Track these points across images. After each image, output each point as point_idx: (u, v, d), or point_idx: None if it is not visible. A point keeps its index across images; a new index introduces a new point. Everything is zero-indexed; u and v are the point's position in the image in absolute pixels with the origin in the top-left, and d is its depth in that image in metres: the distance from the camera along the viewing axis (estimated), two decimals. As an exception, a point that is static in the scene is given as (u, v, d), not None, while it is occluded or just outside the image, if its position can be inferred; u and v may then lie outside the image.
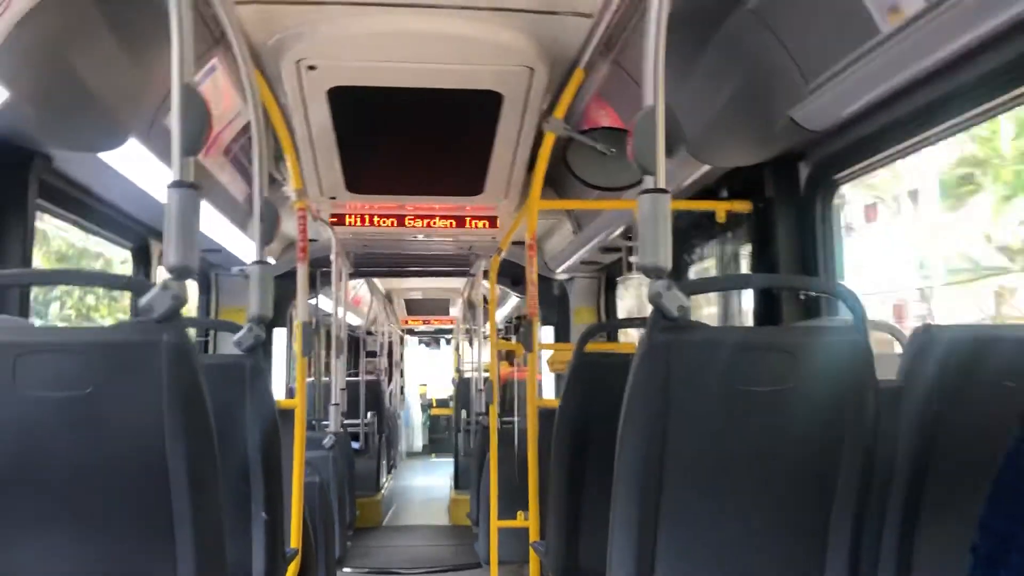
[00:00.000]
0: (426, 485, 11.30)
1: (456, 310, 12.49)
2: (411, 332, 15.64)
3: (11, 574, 1.66)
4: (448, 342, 16.63)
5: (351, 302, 8.34)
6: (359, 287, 9.40)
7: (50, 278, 2.50)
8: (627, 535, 1.83)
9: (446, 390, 16.21)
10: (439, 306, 12.71)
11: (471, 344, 11.74)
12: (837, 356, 1.81)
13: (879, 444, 1.82)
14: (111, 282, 1.99)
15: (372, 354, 11.31)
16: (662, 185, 1.78)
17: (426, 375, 16.74)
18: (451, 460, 13.46)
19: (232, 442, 2.33)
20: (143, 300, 1.63)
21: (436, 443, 15.49)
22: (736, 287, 3.77)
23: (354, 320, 9.88)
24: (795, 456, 1.85)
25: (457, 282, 9.81)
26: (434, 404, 15.89)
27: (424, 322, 14.51)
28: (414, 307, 12.72)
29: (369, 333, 12.06)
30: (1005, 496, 1.59)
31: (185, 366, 1.63)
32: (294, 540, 3.01)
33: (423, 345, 17.15)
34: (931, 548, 1.82)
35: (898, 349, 2.47)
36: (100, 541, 1.68)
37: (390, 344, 12.30)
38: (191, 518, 1.67)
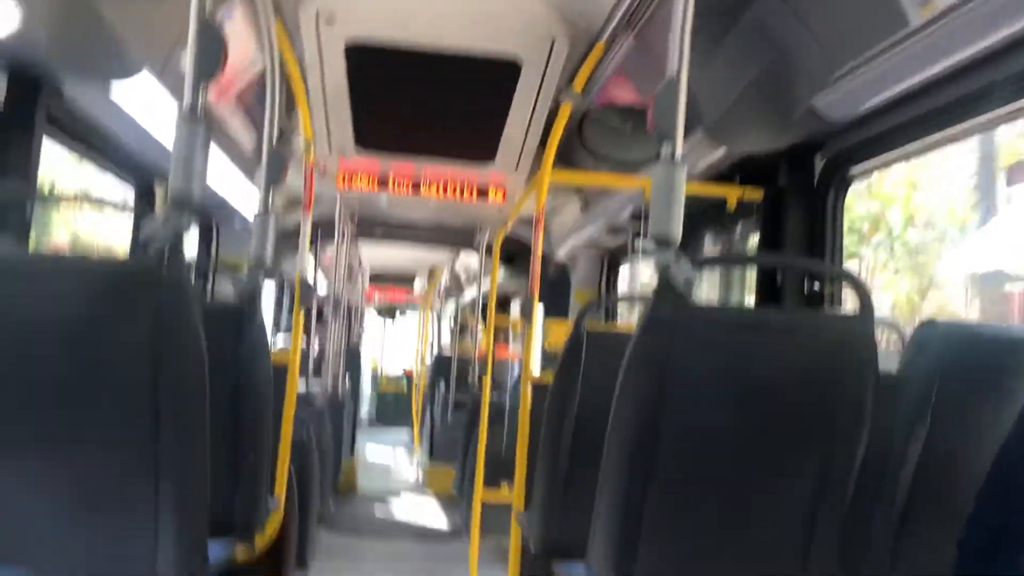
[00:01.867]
0: (384, 458, 11.34)
1: (420, 283, 12.40)
2: (367, 303, 15.30)
3: None
4: (403, 313, 16.43)
5: (323, 265, 8.25)
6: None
7: (56, 200, 2.48)
8: (613, 513, 1.82)
9: (398, 367, 15.89)
10: (404, 279, 12.47)
11: (452, 320, 11.67)
12: (840, 343, 1.79)
13: (874, 435, 1.81)
14: (117, 207, 1.96)
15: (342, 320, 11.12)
16: (679, 155, 1.76)
17: (377, 350, 16.32)
18: (402, 434, 13.52)
19: (223, 387, 2.31)
20: (144, 231, 1.61)
21: (384, 416, 15.08)
22: (747, 263, 3.74)
23: (322, 287, 9.72)
24: (789, 442, 1.83)
25: (428, 255, 9.73)
26: (384, 380, 15.39)
27: (388, 294, 14.10)
28: (377, 277, 12.43)
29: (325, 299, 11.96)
30: (997, 491, 1.58)
31: (182, 300, 1.62)
32: (278, 491, 3.00)
33: (377, 314, 16.75)
34: (918, 544, 1.81)
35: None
36: (83, 467, 1.67)
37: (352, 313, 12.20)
38: (177, 452, 1.66)
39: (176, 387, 1.63)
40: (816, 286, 3.08)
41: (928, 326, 1.85)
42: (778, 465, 1.85)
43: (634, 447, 1.78)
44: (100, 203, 1.92)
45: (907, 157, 2.76)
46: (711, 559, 1.86)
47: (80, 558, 1.68)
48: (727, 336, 1.78)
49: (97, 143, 3.54)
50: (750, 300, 3.85)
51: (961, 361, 1.81)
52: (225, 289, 5.23)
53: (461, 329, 12.47)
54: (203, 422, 1.69)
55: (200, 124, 1.66)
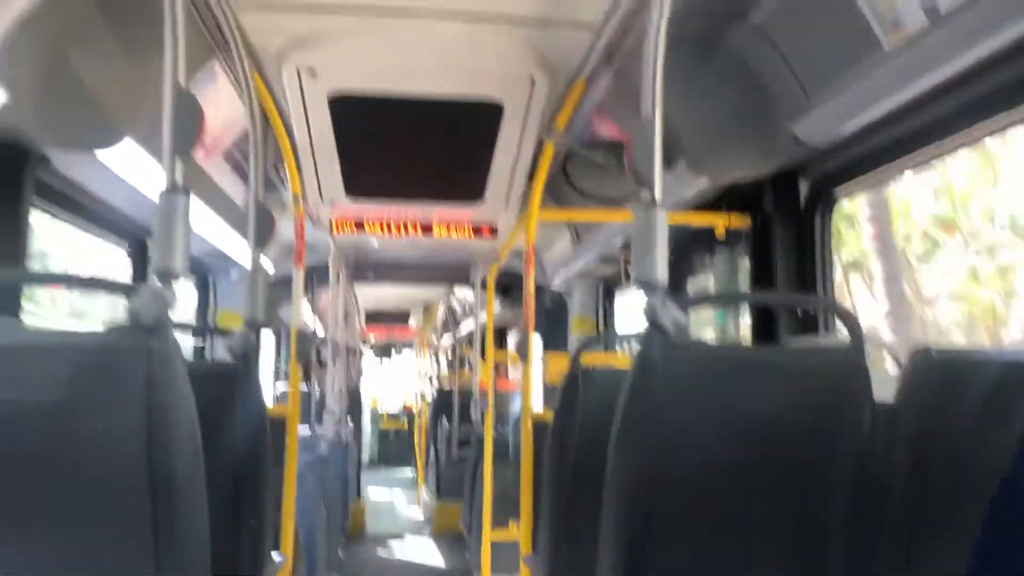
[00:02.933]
0: (388, 498, 11.34)
1: (416, 319, 12.38)
2: (363, 342, 15.16)
3: None
4: (399, 351, 16.41)
5: (320, 310, 8.29)
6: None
7: (43, 279, 2.49)
8: (617, 552, 1.81)
9: (397, 404, 16.09)
10: (399, 317, 12.45)
11: (449, 354, 11.61)
12: (834, 376, 1.80)
13: (876, 466, 1.80)
14: (104, 286, 1.96)
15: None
16: (658, 198, 1.77)
17: (376, 388, 16.47)
18: (405, 473, 13.48)
19: (220, 448, 2.31)
20: (130, 305, 1.62)
21: (385, 456, 15.31)
22: (734, 303, 3.75)
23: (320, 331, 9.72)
24: (790, 477, 1.83)
25: (422, 292, 9.71)
26: (385, 418, 15.63)
27: (383, 333, 14.07)
28: (373, 317, 12.38)
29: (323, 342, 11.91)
30: (1002, 520, 1.57)
31: (171, 373, 1.62)
32: (284, 547, 2.98)
33: (372, 353, 16.78)
34: (927, 573, 1.80)
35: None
36: (80, 544, 1.66)
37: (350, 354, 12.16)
38: (174, 526, 1.65)
39: (170, 461, 1.62)
40: (810, 311, 3.09)
41: (922, 354, 1.84)
42: (781, 499, 1.84)
43: (633, 488, 1.77)
44: (94, 283, 1.93)
45: (892, 176, 2.78)
46: None
47: None
48: (720, 375, 1.78)
49: (88, 210, 3.56)
50: (747, 320, 3.85)
51: (957, 389, 1.80)
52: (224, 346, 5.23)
53: (460, 363, 12.47)
54: (201, 492, 1.69)
55: (181, 198, 1.67)
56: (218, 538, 1.85)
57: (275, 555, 2.76)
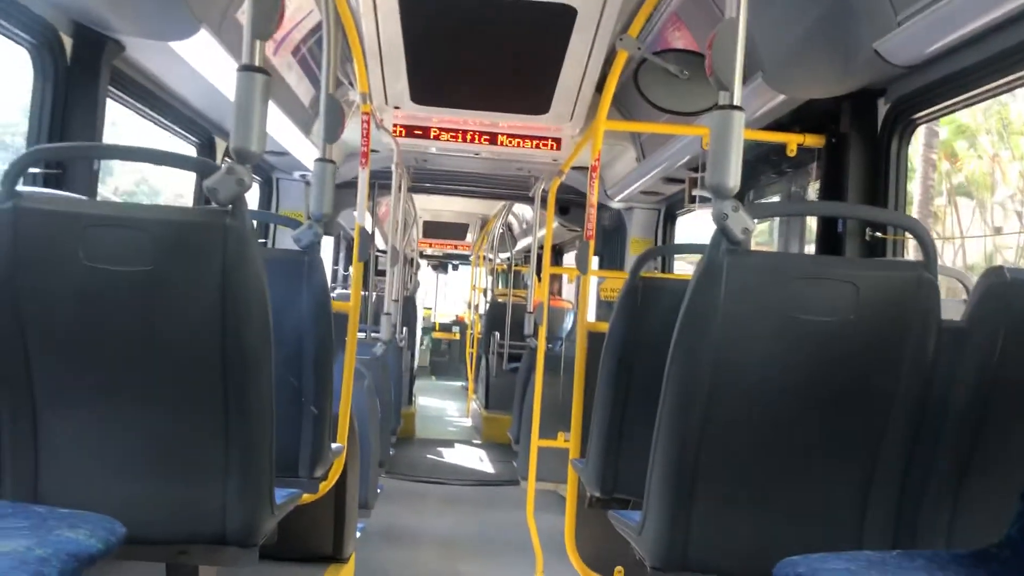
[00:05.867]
0: (438, 406, 11.59)
1: (472, 234, 12.45)
2: (421, 255, 15.20)
3: (65, 439, 1.73)
4: (455, 268, 16.68)
5: (379, 219, 8.34)
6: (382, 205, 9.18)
7: (118, 153, 2.54)
8: (668, 461, 1.83)
9: (449, 315, 16.56)
10: (456, 230, 12.54)
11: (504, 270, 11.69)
12: (902, 291, 1.77)
13: (938, 386, 1.78)
14: (179, 162, 2.00)
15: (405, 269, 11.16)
16: (737, 102, 1.73)
17: (430, 299, 16.90)
18: (455, 383, 13.80)
19: (286, 335, 2.37)
20: (207, 183, 1.65)
21: (436, 366, 15.79)
22: (805, 214, 3.67)
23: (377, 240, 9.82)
24: (848, 390, 1.82)
25: (481, 206, 9.73)
26: (437, 328, 16.12)
27: (439, 246, 14.27)
28: (430, 229, 12.54)
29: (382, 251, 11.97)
30: None
31: (246, 251, 1.66)
32: (340, 437, 3.08)
33: (430, 268, 17.04)
34: (979, 493, 1.79)
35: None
36: (154, 414, 1.74)
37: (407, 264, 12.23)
38: (244, 400, 1.71)
39: (242, 338, 1.68)
40: (878, 234, 3.03)
41: (994, 274, 1.81)
42: (837, 412, 1.84)
43: (690, 395, 1.79)
44: (171, 158, 1.96)
45: (975, 101, 2.68)
46: (765, 511, 1.86)
47: (152, 503, 1.76)
48: (786, 284, 1.77)
49: (158, 101, 3.61)
50: (810, 249, 3.80)
51: None
52: (285, 243, 5.35)
53: (515, 279, 12.50)
54: (268, 368, 1.74)
55: (259, 77, 1.69)
56: (282, 422, 1.92)
57: (332, 444, 2.85)
